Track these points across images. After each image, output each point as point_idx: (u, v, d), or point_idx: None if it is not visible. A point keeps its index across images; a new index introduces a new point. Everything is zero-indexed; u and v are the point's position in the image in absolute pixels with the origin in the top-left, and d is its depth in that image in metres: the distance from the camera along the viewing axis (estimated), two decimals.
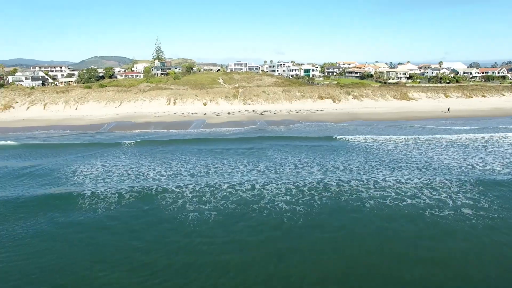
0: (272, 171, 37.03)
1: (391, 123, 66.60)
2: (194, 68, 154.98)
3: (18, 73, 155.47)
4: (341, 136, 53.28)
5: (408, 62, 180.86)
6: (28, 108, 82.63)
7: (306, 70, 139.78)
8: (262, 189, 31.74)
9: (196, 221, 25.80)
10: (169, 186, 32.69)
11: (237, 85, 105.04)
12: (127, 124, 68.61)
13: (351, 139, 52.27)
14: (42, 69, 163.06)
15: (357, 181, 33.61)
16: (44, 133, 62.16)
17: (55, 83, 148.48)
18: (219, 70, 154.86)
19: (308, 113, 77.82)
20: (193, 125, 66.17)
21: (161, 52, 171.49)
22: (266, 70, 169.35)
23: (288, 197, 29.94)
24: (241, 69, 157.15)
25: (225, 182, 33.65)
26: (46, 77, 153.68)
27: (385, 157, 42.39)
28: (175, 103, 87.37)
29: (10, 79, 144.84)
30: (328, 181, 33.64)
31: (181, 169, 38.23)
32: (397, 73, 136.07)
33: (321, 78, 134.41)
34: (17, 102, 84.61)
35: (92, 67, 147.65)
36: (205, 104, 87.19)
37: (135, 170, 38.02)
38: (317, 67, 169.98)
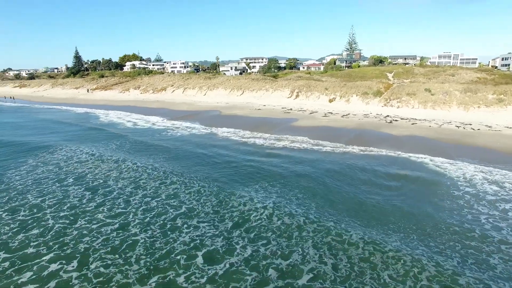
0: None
1: None
2: (383, 62, 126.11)
3: (228, 65, 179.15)
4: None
5: None
6: (173, 91, 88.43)
7: None
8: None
9: None
10: None
11: (408, 80, 74.30)
12: (204, 116, 59.10)
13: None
14: (247, 61, 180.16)
15: None
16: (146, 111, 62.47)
17: (250, 72, 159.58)
18: (415, 64, 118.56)
19: (479, 131, 41.39)
20: (265, 128, 48.17)
21: (354, 43, 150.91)
22: (496, 65, 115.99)
23: None
24: (449, 62, 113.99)
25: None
26: (246, 67, 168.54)
27: None
28: (297, 96, 69.83)
29: (220, 68, 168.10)
30: None
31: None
32: None
33: None
34: (172, 86, 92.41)
35: (275, 58, 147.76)
36: (331, 100, 64.70)
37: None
38: None
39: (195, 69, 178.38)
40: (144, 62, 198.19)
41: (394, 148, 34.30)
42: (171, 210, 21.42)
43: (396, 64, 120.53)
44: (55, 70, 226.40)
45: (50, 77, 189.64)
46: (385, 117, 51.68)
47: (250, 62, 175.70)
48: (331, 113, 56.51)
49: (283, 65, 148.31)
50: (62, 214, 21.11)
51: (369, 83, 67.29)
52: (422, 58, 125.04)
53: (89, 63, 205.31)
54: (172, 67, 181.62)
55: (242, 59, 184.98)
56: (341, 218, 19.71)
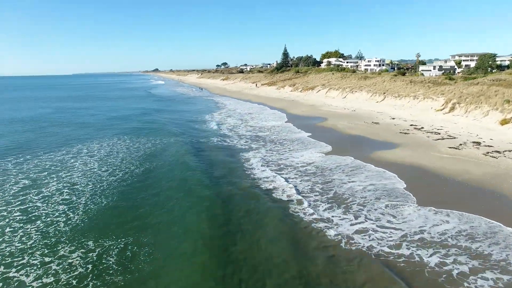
0: None
1: None
2: None
3: (433, 63, 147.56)
4: None
5: None
6: (318, 91, 79.39)
7: None
8: None
9: None
10: None
11: None
12: (300, 123, 48.32)
13: None
14: (459, 58, 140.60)
15: None
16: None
17: (459, 71, 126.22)
18: None
19: None
20: (334, 151, 34.07)
21: None
22: None
23: None
24: None
25: None
26: (455, 66, 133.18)
27: None
28: (452, 108, 46.17)
29: (420, 68, 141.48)
30: None
31: None
32: None
33: None
34: (323, 85, 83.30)
35: (490, 54, 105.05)
36: (505, 121, 38.39)
37: None
38: None
39: (391, 68, 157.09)
40: (340, 60, 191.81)
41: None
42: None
43: None
44: (268, 66, 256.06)
45: (259, 71, 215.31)
46: None
47: (462, 60, 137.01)
48: (479, 143, 33.23)
49: (506, 62, 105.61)
50: None
51: None
52: None
53: (294, 59, 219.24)
54: (365, 65, 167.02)
55: (453, 56, 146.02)
56: None
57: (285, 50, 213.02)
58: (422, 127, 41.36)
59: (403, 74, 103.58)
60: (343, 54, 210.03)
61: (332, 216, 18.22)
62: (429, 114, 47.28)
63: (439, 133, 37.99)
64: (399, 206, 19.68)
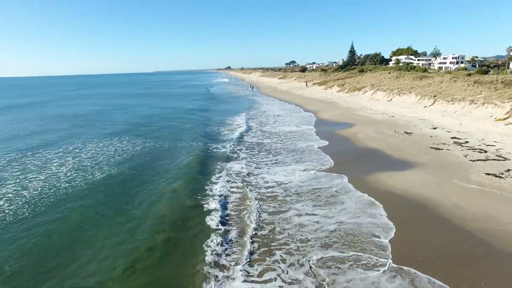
0: None
1: None
2: None
3: None
4: None
5: None
6: (364, 92, 70.55)
7: None
8: None
9: None
10: None
11: None
12: (320, 130, 42.01)
13: None
14: None
15: None
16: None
17: None
18: None
19: None
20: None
21: None
22: None
23: None
24: None
25: None
26: None
27: None
28: None
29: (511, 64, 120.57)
30: None
31: None
32: None
33: None
34: (372, 85, 74.22)
35: None
36: None
37: None
38: None
39: (472, 65, 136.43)
40: (411, 57, 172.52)
41: None
42: None
43: None
44: (334, 64, 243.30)
45: (323, 70, 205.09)
46: None
47: None
48: None
49: None
50: None
51: None
52: None
53: (361, 57, 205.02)
54: (440, 63, 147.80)
55: None
56: None
57: (352, 47, 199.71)
58: (467, 141, 32.37)
59: (485, 72, 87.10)
60: (416, 51, 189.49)
61: (236, 265, 13.38)
62: (485, 124, 37.27)
63: (486, 151, 29.02)
64: (345, 263, 13.85)
